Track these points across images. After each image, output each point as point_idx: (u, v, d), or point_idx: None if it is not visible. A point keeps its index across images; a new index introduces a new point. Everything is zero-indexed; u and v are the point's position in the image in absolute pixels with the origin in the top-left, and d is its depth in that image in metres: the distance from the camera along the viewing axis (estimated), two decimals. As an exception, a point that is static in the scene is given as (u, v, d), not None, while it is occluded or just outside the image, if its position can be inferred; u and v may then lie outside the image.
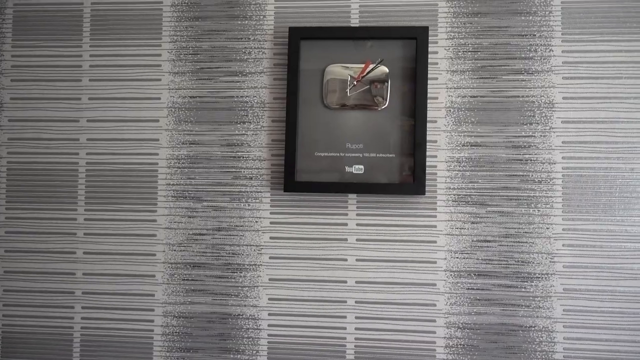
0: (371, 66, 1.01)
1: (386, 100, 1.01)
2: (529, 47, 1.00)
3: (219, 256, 1.04)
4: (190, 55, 1.06)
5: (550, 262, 0.98)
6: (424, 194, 0.97)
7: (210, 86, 1.06)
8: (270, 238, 1.03)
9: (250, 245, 1.04)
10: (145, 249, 1.05)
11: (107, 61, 1.08)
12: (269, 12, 1.06)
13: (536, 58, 1.00)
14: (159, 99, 1.07)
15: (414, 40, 1.00)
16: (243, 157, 1.05)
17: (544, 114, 1.00)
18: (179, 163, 1.06)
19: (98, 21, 1.08)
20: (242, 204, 1.04)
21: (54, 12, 1.09)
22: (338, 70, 1.02)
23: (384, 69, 1.01)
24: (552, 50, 1.00)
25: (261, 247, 1.04)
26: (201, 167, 1.05)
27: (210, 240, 1.04)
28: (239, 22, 1.06)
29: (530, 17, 1.01)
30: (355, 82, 1.01)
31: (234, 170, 1.05)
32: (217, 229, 1.04)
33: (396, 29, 0.99)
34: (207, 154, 1.05)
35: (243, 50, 1.06)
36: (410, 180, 0.99)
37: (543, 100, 1.00)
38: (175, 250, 1.05)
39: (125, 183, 1.06)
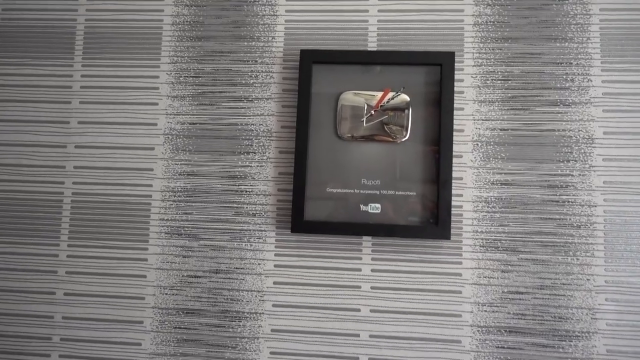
0: (391, 94, 0.91)
1: (407, 131, 0.90)
2: (565, 76, 0.91)
3: (215, 302, 0.93)
4: (191, 78, 0.97)
5: (591, 318, 0.86)
6: (449, 239, 0.86)
7: (212, 112, 0.96)
8: (274, 283, 0.92)
9: (252, 291, 0.92)
10: (133, 291, 0.94)
11: (99, 82, 0.98)
12: (279, 33, 0.96)
13: (573, 88, 0.90)
14: (155, 124, 0.97)
15: (439, 66, 0.90)
16: (246, 192, 0.94)
17: (582, 150, 0.89)
18: (174, 196, 0.95)
19: (92, 38, 0.99)
20: (243, 244, 0.93)
21: (43, 28, 1.00)
22: (353, 98, 0.92)
23: (404, 97, 0.91)
24: (591, 80, 0.90)
25: (263, 293, 0.92)
26: (199, 201, 0.94)
27: (207, 284, 0.93)
28: (246, 44, 0.97)
29: (566, 44, 0.91)
30: (372, 111, 0.91)
31: (235, 205, 0.94)
32: (215, 271, 0.93)
33: (419, 54, 0.90)
34: (206, 186, 0.95)
35: (249, 73, 0.96)
36: (434, 222, 0.88)
37: (581, 135, 0.89)
38: (166, 294, 0.93)
39: (114, 217, 0.95)
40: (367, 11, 0.95)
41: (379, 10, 0.95)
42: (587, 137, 0.89)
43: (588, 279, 0.87)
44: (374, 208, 0.90)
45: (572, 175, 0.89)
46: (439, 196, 0.87)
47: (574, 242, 0.88)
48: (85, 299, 0.95)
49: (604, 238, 0.87)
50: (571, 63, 0.91)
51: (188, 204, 0.95)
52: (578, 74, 0.91)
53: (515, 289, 0.88)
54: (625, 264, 0.87)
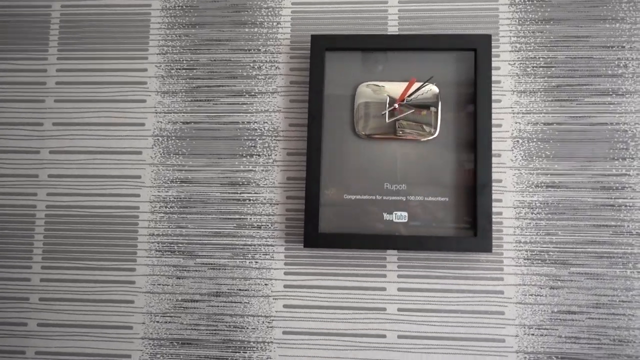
0: (417, 85, 0.78)
1: (436, 128, 0.78)
2: (617, 62, 0.79)
3: (216, 330, 0.79)
4: (184, 71, 0.84)
5: (657, 341, 0.74)
6: (491, 251, 0.73)
7: (209, 109, 0.83)
8: (285, 307, 0.79)
9: (258, 316, 0.79)
10: (119, 320, 0.80)
11: (78, 77, 0.85)
12: (285, 17, 0.84)
13: (627, 75, 0.78)
14: (143, 125, 0.84)
15: (472, 52, 0.78)
16: (250, 200, 0.81)
17: (639, 147, 0.77)
18: (166, 207, 0.82)
19: (69, 27, 0.86)
20: (247, 262, 0.80)
21: (12, 16, 0.87)
22: (373, 90, 0.79)
23: (433, 88, 0.78)
24: (647, 66, 0.78)
25: (272, 318, 0.79)
26: (195, 212, 0.81)
27: (205, 309, 0.79)
28: (247, 30, 0.84)
29: (617, 25, 0.79)
30: (396, 105, 0.79)
31: (237, 217, 0.81)
32: (215, 293, 0.80)
33: (449, 38, 0.77)
34: (203, 195, 0.81)
35: (251, 64, 0.83)
36: (471, 232, 0.76)
37: (638, 129, 0.77)
38: (158, 322, 0.80)
39: (96, 233, 0.82)
40: (386, -9, 0.83)
41: (400, -10, 0.83)
42: (644, 130, 0.77)
43: (651, 296, 0.75)
44: (400, 217, 0.77)
45: (628, 175, 0.77)
46: (476, 202, 0.74)
47: (634, 252, 0.76)
48: (62, 330, 0.81)
49: (668, 247, 0.75)
50: (624, 47, 0.79)
51: (182, 216, 0.81)
52: (632, 58, 0.79)
53: (566, 309, 0.76)
54: (694, 277, 0.75)
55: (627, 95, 0.78)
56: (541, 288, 0.76)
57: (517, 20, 0.81)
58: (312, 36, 0.79)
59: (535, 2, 0.81)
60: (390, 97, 0.79)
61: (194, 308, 0.80)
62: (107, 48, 0.85)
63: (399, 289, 0.78)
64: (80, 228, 0.82)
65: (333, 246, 0.76)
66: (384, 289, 0.78)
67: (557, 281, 0.76)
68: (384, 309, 0.78)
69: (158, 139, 0.83)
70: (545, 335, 0.75)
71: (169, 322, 0.80)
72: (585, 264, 0.76)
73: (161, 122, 0.83)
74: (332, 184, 0.78)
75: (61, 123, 0.84)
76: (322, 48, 0.78)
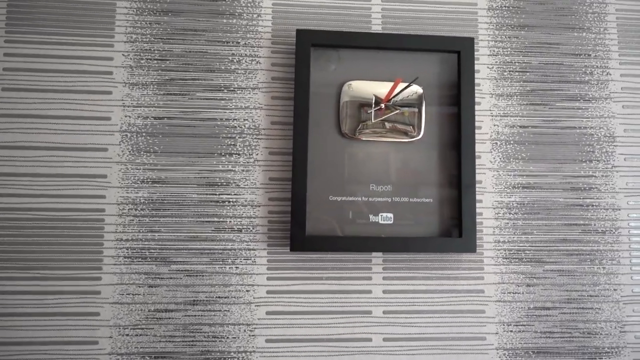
0: (402, 85, 0.78)
1: (420, 129, 0.78)
2: (584, 70, 0.83)
3: (193, 341, 0.74)
4: (155, 62, 0.77)
5: (620, 332, 0.79)
6: (475, 251, 0.75)
7: (184, 104, 0.77)
8: (267, 314, 0.75)
9: (239, 325, 0.75)
10: (83, 334, 0.73)
11: (30, 64, 0.76)
12: (266, 9, 0.80)
13: (592, 82, 0.83)
14: (109, 119, 0.76)
15: (455, 54, 0.79)
16: (229, 202, 0.76)
17: (604, 149, 0.82)
18: (135, 210, 0.75)
19: (19, 6, 0.76)
20: (227, 267, 0.75)
21: (-52, -9, 0.75)
22: (359, 89, 0.78)
23: (417, 89, 0.78)
24: (610, 74, 0.83)
25: (254, 326, 0.75)
26: (169, 215, 0.75)
27: (181, 319, 0.74)
28: (225, 21, 0.79)
29: (584, 34, 0.84)
30: (382, 105, 0.78)
31: (216, 219, 0.76)
32: (192, 302, 0.74)
33: (434, 39, 0.78)
34: (177, 196, 0.76)
35: (230, 57, 0.79)
36: (456, 232, 0.76)
37: (603, 133, 0.82)
38: (128, 335, 0.73)
39: (54, 239, 0.73)
40: (369, -12, 0.82)
41: (383, -11, 0.82)
42: (608, 135, 0.82)
43: (615, 289, 0.80)
44: (386, 218, 0.76)
45: (595, 176, 0.82)
46: (461, 203, 0.75)
47: (600, 249, 0.80)
48: (17, 350, 0.71)
49: (629, 244, 0.81)
50: (589, 55, 0.84)
51: (154, 219, 0.75)
52: (597, 66, 0.83)
53: (541, 305, 0.79)
54: (651, 271, 0.81)
55: (592, 101, 0.83)
56: (518, 286, 0.79)
57: (495, 25, 0.83)
58: (298, 31, 0.76)
59: (511, 8, 0.84)
60: (376, 96, 0.78)
61: (169, 318, 0.74)
62: (66, 32, 0.76)
63: (384, 291, 0.77)
64: (34, 233, 0.73)
65: (320, 249, 0.73)
66: (369, 291, 0.77)
67: (533, 279, 0.79)
68: (370, 312, 0.76)
69: (126, 135, 0.76)
70: (523, 331, 0.78)
71: (140, 335, 0.73)
72: (557, 261, 0.80)
73: (129, 116, 0.76)
74: (317, 185, 0.76)
75: (10, 114, 0.75)
76: (308, 43, 0.76)
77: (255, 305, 0.75)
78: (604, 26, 0.84)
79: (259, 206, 0.77)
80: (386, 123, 0.77)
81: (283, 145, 0.78)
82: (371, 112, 0.77)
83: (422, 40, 0.78)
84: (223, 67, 0.78)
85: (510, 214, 0.80)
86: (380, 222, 0.76)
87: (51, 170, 0.74)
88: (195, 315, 0.74)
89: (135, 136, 0.76)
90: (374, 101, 0.78)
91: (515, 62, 0.83)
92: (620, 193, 0.81)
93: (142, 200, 0.75)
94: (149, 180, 0.75)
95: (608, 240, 0.80)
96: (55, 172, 0.74)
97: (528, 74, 0.82)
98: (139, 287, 0.74)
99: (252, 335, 0.75)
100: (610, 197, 0.81)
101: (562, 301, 0.79)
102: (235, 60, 0.78)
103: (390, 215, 0.76)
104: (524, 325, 0.78)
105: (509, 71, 0.82)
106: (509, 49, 0.83)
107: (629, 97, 0.83)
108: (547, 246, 0.80)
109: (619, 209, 0.81)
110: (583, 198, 0.81)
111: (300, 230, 0.73)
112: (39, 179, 0.74)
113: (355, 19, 0.81)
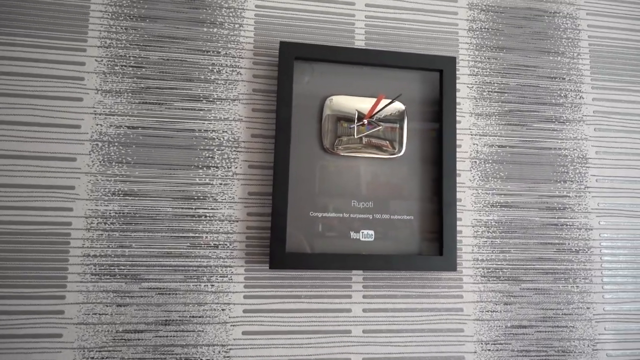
0: (385, 101, 0.78)
1: (402, 146, 0.78)
2: (559, 92, 0.86)
3: (164, 364, 0.70)
4: (130, 68, 0.74)
5: (592, 350, 0.81)
6: (456, 270, 0.75)
7: (160, 113, 0.74)
8: (244, 334, 0.72)
9: (214, 345, 0.71)
10: (44, 358, 0.67)
11: (-7, 66, 0.71)
12: (248, 20, 0.78)
13: (567, 105, 0.85)
14: (79, 127, 0.72)
15: (437, 72, 0.79)
16: (206, 217, 0.73)
17: (577, 170, 0.84)
18: (105, 223, 0.71)
19: (-18, 6, 0.71)
20: (202, 285, 0.72)
21: None
22: (342, 104, 0.77)
23: (399, 106, 0.78)
24: (583, 97, 0.86)
25: (229, 347, 0.72)
26: (141, 230, 0.71)
27: (152, 340, 0.70)
28: (205, 30, 0.77)
29: (559, 58, 0.86)
30: (364, 121, 0.77)
31: (191, 235, 0.73)
32: (164, 322, 0.70)
33: (417, 57, 0.78)
34: (151, 210, 0.72)
35: (210, 67, 0.76)
36: (436, 251, 0.76)
37: (576, 154, 0.85)
38: (93, 358, 0.68)
39: (13, 254, 0.68)
40: (353, 4, 0.81)
41: (366, 5, 0.82)
42: (581, 156, 0.85)
43: (588, 308, 0.81)
44: (367, 235, 0.75)
45: (568, 196, 0.83)
46: (442, 221, 0.75)
47: (573, 268, 0.82)
48: (-36, 375, 0.65)
49: (600, 263, 0.83)
50: (564, 78, 0.86)
51: (125, 234, 0.71)
52: (571, 90, 0.86)
53: (518, 323, 0.79)
54: (622, 289, 0.83)
55: (566, 123, 0.85)
56: (496, 304, 0.79)
57: (475, 46, 0.84)
58: (282, 43, 0.74)
59: (490, 30, 0.85)
60: (358, 112, 0.77)
61: (138, 340, 0.70)
62: (34, 34, 0.72)
63: (364, 310, 0.75)
64: (-8, 248, 0.68)
65: (301, 267, 0.71)
66: (349, 310, 0.75)
67: (510, 297, 0.80)
68: (349, 332, 0.75)
69: (97, 145, 0.72)
70: (500, 350, 0.78)
71: (107, 358, 0.69)
72: (534, 279, 0.81)
73: (101, 125, 0.72)
74: (298, 201, 0.74)
75: (-31, 120, 0.69)
76: (291, 56, 0.74)
77: (231, 325, 0.72)
78: (577, 51, 0.87)
79: (237, 221, 0.74)
80: (368, 139, 0.77)
81: (263, 159, 0.76)
82: (354, 128, 0.77)
83: (405, 58, 0.78)
84: (202, 77, 0.76)
85: (488, 232, 0.80)
86: (361, 239, 0.75)
87: (15, 180, 0.69)
88: (166, 336, 0.70)
89: (106, 146, 0.72)
90: (356, 116, 0.77)
91: (494, 83, 0.84)
92: (592, 213, 0.84)
93: (112, 214, 0.71)
94: (120, 192, 0.72)
95: (581, 259, 0.82)
96: (19, 183, 0.69)
97: (506, 94, 0.84)
98: (107, 306, 0.69)
99: (227, 357, 0.71)
100: (583, 217, 0.83)
101: (538, 319, 0.80)
102: (215, 70, 0.76)
103: (371, 232, 0.75)
104: (502, 344, 0.78)
105: (488, 91, 0.84)
106: (489, 70, 0.84)
107: (601, 120, 0.86)
108: (523, 265, 0.81)
109: (591, 229, 0.83)
110: (558, 217, 0.83)
111: (280, 247, 0.71)
112: (1, 189, 0.69)
113: (338, 33, 0.80)
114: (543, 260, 0.81)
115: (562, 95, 0.86)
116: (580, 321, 0.81)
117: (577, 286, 0.81)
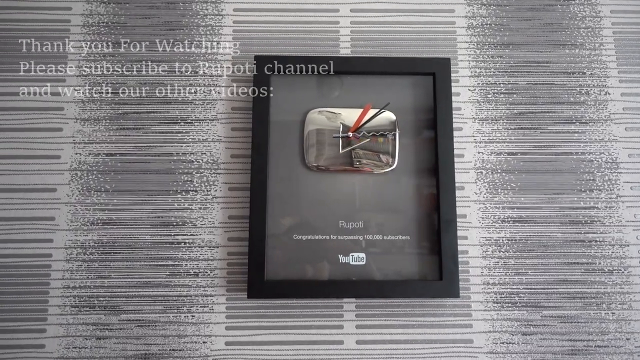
0: (372, 112, 0.71)
1: (394, 158, 0.71)
2: (578, 89, 0.75)
3: (143, 400, 0.66)
4: (109, 95, 0.73)
5: (636, 389, 0.68)
6: (458, 296, 0.66)
7: (138, 138, 0.72)
8: (226, 368, 0.67)
9: (195, 381, 0.67)
10: (22, 393, 0.66)
11: (-21, 102, 0.72)
12: (226, 37, 0.75)
13: (589, 103, 0.75)
14: (59, 157, 0.72)
15: (431, 76, 0.72)
16: (185, 244, 0.70)
17: (607, 177, 0.73)
18: (84, 254, 0.69)
19: (-31, 44, 0.74)
20: (182, 316, 0.68)
21: None
22: (324, 117, 0.71)
23: (389, 115, 0.72)
24: (609, 93, 0.75)
25: (211, 382, 0.67)
26: (120, 259, 0.69)
27: (131, 375, 0.67)
28: (182, 50, 0.75)
29: (577, 50, 0.76)
30: (349, 134, 0.71)
31: (171, 263, 0.69)
32: (143, 356, 0.67)
33: (406, 61, 0.71)
34: (129, 239, 0.70)
35: (187, 88, 0.74)
36: (436, 275, 0.68)
37: (604, 159, 0.73)
38: (72, 394, 0.66)
39: (-4, 287, 0.68)
40: (337, 10, 0.76)
41: (352, 10, 0.76)
42: (610, 160, 0.73)
43: (628, 339, 0.69)
44: (357, 259, 0.68)
45: (597, 207, 0.72)
46: (441, 241, 0.67)
47: (607, 291, 0.70)
48: (-51, 410, 0.65)
49: (642, 285, 0.70)
50: (584, 73, 0.75)
51: (104, 264, 0.69)
52: (593, 85, 0.75)
53: (540, 357, 0.68)
54: (670, 316, 0.70)
55: (590, 124, 0.74)
56: (513, 335, 0.69)
57: (476, 44, 0.76)
58: (257, 57, 0.70)
59: (493, 26, 0.77)
60: (343, 124, 0.71)
61: (117, 374, 0.67)
62: (13, 67, 0.73)
63: (358, 342, 0.68)
64: (-24, 282, 0.68)
65: (282, 296, 0.66)
66: (341, 342, 0.68)
67: (529, 326, 0.69)
68: (342, 366, 0.68)
69: (76, 174, 0.71)
70: (520, 387, 0.68)
71: (86, 394, 0.66)
72: (557, 305, 0.70)
73: (80, 153, 0.72)
74: (279, 223, 0.69)
75: (-44, 156, 0.71)
76: (267, 70, 0.70)
77: (213, 359, 0.67)
78: (600, 41, 0.76)
79: (218, 247, 0.70)
80: (355, 153, 0.70)
81: (243, 180, 0.71)
82: (339, 142, 0.71)
83: (393, 63, 0.71)
84: (180, 98, 0.73)
85: (500, 251, 0.71)
86: (351, 263, 0.68)
87: (-7, 213, 0.70)
88: (146, 371, 0.67)
89: (85, 174, 0.71)
90: (341, 130, 0.71)
91: (500, 83, 0.75)
92: (627, 226, 0.72)
93: (91, 244, 0.69)
94: (99, 221, 0.70)
95: (616, 281, 0.70)
96: (0, 216, 0.70)
97: (515, 95, 0.75)
98: (86, 339, 0.67)
99: (209, 394, 0.67)
100: (617, 232, 0.71)
101: (565, 353, 0.69)
102: (192, 91, 0.74)
103: (362, 255, 0.68)
104: (521, 381, 0.68)
105: (494, 93, 0.75)
106: (492, 69, 0.75)
107: (632, 118, 0.74)
108: (544, 288, 0.70)
109: (628, 245, 0.71)
110: (584, 233, 0.71)
111: (259, 275, 0.66)
112: (-17, 222, 0.69)
113: (323, 42, 0.75)
114: (568, 282, 0.70)
115: (583, 92, 0.75)
116: (619, 354, 0.69)
117: (612, 313, 0.69)
